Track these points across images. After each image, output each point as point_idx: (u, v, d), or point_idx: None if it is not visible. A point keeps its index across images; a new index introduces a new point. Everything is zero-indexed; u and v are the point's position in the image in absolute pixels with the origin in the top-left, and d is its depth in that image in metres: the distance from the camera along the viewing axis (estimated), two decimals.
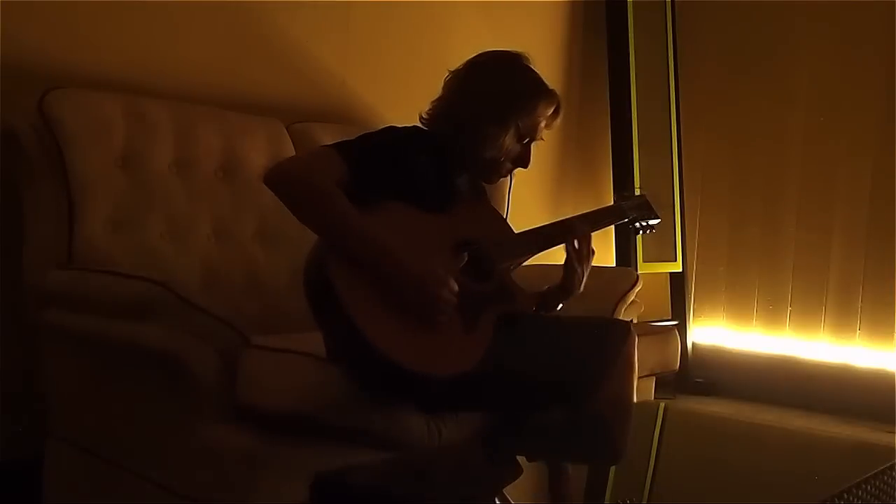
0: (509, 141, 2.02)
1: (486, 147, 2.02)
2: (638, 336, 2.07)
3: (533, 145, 2.07)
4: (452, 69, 2.07)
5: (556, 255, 2.16)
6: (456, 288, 1.78)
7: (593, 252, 2.10)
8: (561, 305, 2.11)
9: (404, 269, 1.75)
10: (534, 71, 2.06)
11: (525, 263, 2.20)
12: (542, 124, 2.05)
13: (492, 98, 2.00)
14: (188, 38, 2.69)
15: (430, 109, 2.06)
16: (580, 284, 2.08)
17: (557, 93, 2.07)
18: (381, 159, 1.89)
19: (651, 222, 2.40)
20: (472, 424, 1.93)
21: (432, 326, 1.78)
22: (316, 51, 3.02)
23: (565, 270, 2.08)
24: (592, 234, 2.15)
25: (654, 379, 2.86)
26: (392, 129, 2.00)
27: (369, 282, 1.75)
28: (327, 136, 2.67)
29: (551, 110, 2.06)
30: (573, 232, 2.09)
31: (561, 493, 1.59)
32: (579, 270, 2.07)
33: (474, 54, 2.08)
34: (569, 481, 1.64)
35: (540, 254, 2.15)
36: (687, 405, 3.86)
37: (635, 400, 2.08)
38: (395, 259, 1.76)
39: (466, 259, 1.95)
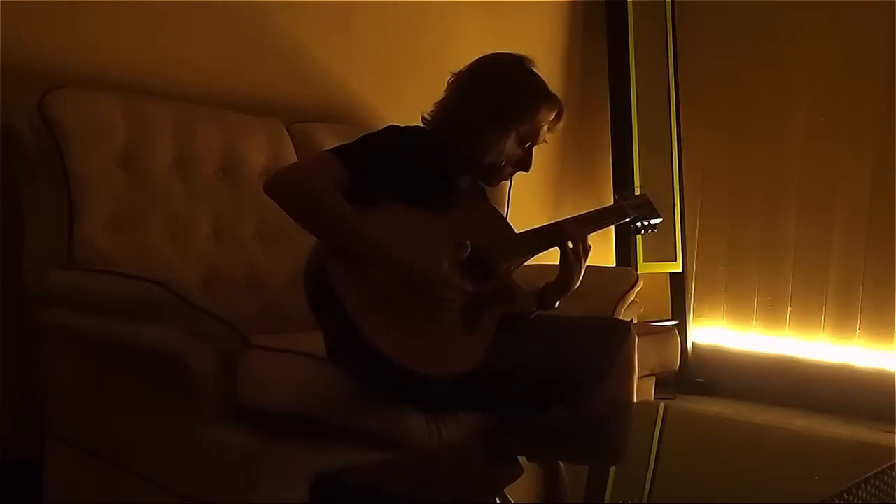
0: (510, 145, 2.02)
1: (486, 151, 2.01)
2: (638, 336, 2.07)
3: (535, 149, 2.07)
4: (455, 71, 2.06)
5: (555, 255, 2.16)
6: (459, 284, 1.78)
7: (590, 247, 2.10)
8: (559, 303, 2.11)
9: (408, 266, 1.76)
10: (536, 75, 2.05)
11: (525, 263, 2.20)
12: (544, 129, 2.05)
13: (492, 103, 1.99)
14: (188, 39, 2.69)
15: (432, 111, 2.06)
16: (578, 280, 2.08)
17: (559, 97, 2.07)
18: (383, 160, 1.88)
19: (653, 222, 2.39)
20: (472, 424, 1.93)
21: (433, 326, 1.78)
22: (316, 51, 3.02)
23: (561, 267, 2.08)
24: (594, 233, 2.15)
25: (654, 379, 2.85)
26: (395, 128, 1.99)
27: (369, 281, 1.75)
28: (327, 136, 2.67)
29: (552, 115, 2.05)
30: (571, 233, 2.09)
31: (559, 495, 1.59)
32: (577, 267, 2.07)
33: (475, 55, 2.08)
34: (566, 482, 1.64)
35: (540, 254, 2.15)
36: (687, 405, 3.86)
37: (635, 400, 2.08)
38: (398, 257, 1.76)
39: (466, 258, 1.95)
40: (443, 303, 1.76)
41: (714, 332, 4.31)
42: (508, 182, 2.85)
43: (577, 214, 2.24)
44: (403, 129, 1.99)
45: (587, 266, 2.11)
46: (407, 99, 2.28)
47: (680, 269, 4.23)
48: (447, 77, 2.07)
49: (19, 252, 2.18)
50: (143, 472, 1.95)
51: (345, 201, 1.77)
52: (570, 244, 2.07)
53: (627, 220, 2.35)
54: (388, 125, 2.00)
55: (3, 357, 2.28)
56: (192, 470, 1.81)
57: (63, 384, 2.15)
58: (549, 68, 2.13)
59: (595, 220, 2.24)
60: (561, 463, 1.68)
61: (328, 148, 1.91)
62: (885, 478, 1.61)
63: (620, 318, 2.63)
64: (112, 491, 2.02)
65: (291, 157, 2.62)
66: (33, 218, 2.18)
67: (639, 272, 3.30)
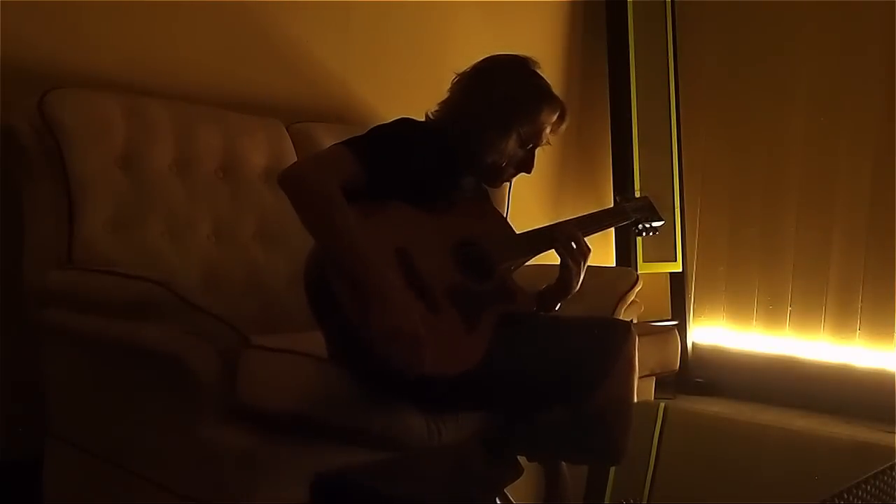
0: (512, 147, 2.02)
1: (488, 152, 2.01)
2: (638, 336, 2.06)
3: (537, 151, 2.06)
4: (459, 71, 2.06)
5: (556, 255, 2.16)
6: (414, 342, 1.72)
7: (589, 250, 2.09)
8: (559, 305, 2.11)
9: (386, 311, 1.70)
10: (540, 77, 2.05)
11: (525, 263, 2.20)
12: (547, 131, 2.04)
13: (494, 104, 1.99)
14: (188, 38, 2.69)
15: (436, 110, 2.06)
16: (577, 283, 2.08)
17: (562, 99, 2.06)
18: (394, 155, 1.88)
19: (654, 224, 2.38)
20: (472, 424, 1.93)
21: (432, 326, 1.78)
22: (316, 51, 3.02)
23: (561, 269, 2.08)
24: (594, 234, 2.15)
25: (654, 379, 2.86)
26: (407, 120, 1.98)
27: None
28: (327, 136, 2.67)
29: (555, 117, 2.05)
30: (566, 235, 2.08)
31: (559, 494, 1.59)
32: (575, 269, 2.06)
33: (475, 55, 2.08)
34: (567, 482, 1.64)
35: (540, 254, 2.15)
36: (687, 405, 3.86)
37: (635, 400, 2.08)
38: (382, 297, 1.71)
39: (466, 258, 1.95)
40: (395, 358, 1.70)
41: (714, 332, 4.31)
42: (509, 183, 2.85)
43: (578, 216, 2.24)
44: (416, 124, 1.98)
45: (587, 266, 2.11)
46: (407, 99, 2.28)
47: (680, 269, 4.23)
48: (447, 77, 2.07)
49: (19, 252, 2.18)
50: (143, 472, 1.95)
51: (350, 214, 1.75)
52: (563, 248, 2.06)
53: (628, 222, 2.35)
54: (399, 117, 1.99)
55: (3, 357, 2.28)
56: (192, 470, 1.81)
57: (63, 384, 2.15)
58: (549, 69, 2.13)
59: (595, 222, 2.23)
60: (561, 463, 1.68)
61: (341, 141, 1.89)
62: (885, 478, 1.61)
63: (620, 318, 2.63)
64: (112, 491, 2.02)
65: (291, 157, 2.62)
66: (33, 218, 2.18)
67: (639, 272, 3.30)
